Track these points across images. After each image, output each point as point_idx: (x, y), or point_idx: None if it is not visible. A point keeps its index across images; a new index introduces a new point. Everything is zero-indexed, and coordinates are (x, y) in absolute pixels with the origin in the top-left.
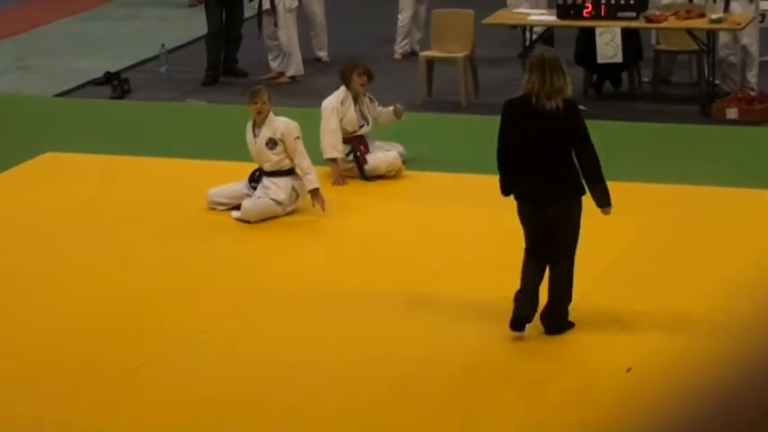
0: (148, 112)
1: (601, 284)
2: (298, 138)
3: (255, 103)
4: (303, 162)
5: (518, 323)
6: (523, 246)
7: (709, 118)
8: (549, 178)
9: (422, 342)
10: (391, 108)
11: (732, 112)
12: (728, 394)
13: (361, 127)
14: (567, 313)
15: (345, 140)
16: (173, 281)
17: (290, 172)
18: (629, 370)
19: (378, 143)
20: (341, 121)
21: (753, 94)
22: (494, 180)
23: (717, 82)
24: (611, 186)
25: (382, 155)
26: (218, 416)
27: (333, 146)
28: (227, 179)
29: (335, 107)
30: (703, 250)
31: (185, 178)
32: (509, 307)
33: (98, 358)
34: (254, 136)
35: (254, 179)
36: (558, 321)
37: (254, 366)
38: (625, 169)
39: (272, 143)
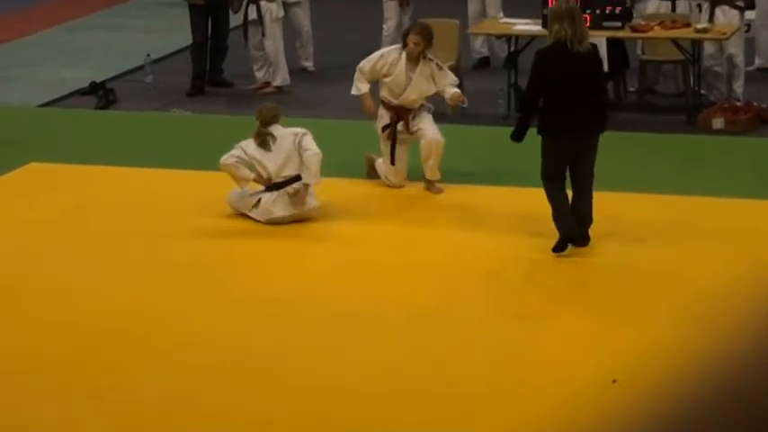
0: (134, 123)
1: (581, 291)
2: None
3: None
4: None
5: (564, 244)
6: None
7: (695, 128)
8: (584, 112)
9: (422, 358)
10: (453, 91)
11: (718, 122)
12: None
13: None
14: None
15: (388, 107)
16: (160, 292)
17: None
18: (614, 381)
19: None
20: (386, 77)
21: (738, 104)
22: (486, 189)
23: (702, 92)
24: (596, 196)
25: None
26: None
27: (356, 84)
28: (214, 189)
29: (382, 54)
30: (687, 258)
31: (171, 188)
32: (512, 323)
33: (79, 373)
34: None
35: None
36: (588, 235)
37: (244, 380)
38: (611, 179)
39: None
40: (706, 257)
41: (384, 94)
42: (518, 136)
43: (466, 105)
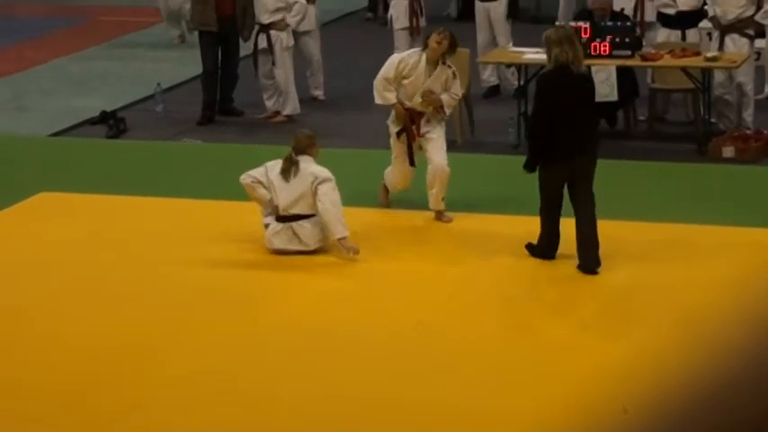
0: (144, 152)
1: (595, 321)
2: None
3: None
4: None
5: (534, 252)
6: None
7: (705, 157)
8: (585, 133)
9: (425, 387)
10: (445, 97)
11: (728, 151)
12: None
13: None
14: None
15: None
16: (171, 319)
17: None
18: (625, 411)
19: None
20: (405, 79)
21: (749, 132)
22: (496, 218)
23: (713, 120)
24: (606, 225)
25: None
26: None
27: (382, 93)
28: (224, 218)
29: (402, 58)
30: (697, 289)
31: (181, 217)
32: (520, 349)
33: (92, 400)
34: None
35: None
36: (598, 258)
37: (254, 407)
38: (620, 208)
39: None
40: (716, 286)
41: (399, 96)
42: (532, 166)
43: (446, 116)
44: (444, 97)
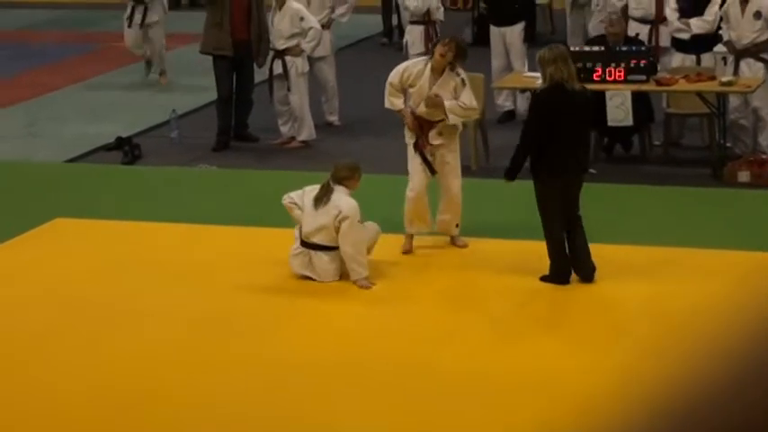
0: (159, 178)
1: (611, 347)
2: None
3: (358, 179)
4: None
5: (557, 279)
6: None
7: (720, 181)
8: (580, 149)
9: (433, 419)
10: (452, 103)
11: (744, 176)
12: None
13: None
14: None
15: (414, 118)
16: (186, 349)
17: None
18: None
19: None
20: (411, 88)
21: (764, 157)
22: (511, 244)
23: (728, 145)
24: (622, 249)
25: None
26: None
27: (389, 98)
28: (240, 244)
29: (407, 66)
30: (707, 314)
31: (197, 243)
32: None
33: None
34: None
35: None
36: (594, 266)
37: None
38: (636, 233)
39: None
40: (724, 305)
41: (410, 104)
42: (513, 174)
43: (458, 127)
44: (448, 103)
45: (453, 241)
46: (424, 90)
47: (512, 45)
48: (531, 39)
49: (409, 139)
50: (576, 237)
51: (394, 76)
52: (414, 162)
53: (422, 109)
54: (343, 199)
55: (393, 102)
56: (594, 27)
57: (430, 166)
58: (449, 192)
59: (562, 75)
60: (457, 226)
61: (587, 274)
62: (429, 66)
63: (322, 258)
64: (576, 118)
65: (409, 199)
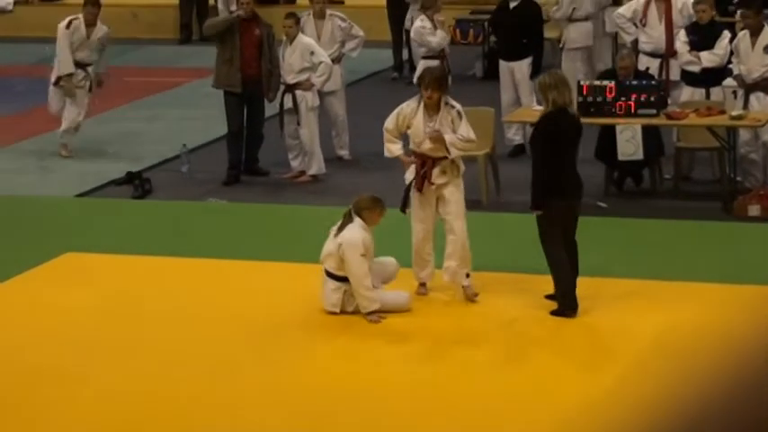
0: (170, 212)
1: (625, 379)
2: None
3: (381, 214)
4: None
5: (567, 309)
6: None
7: (730, 215)
8: (576, 171)
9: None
10: (451, 137)
11: (754, 209)
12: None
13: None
14: None
15: (415, 156)
16: (197, 384)
17: None
18: None
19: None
20: (408, 129)
21: None
22: (522, 278)
23: (738, 179)
24: (633, 283)
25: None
26: None
27: (386, 144)
28: (251, 278)
29: (401, 109)
30: (721, 347)
31: (208, 278)
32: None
33: None
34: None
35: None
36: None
37: None
38: (647, 267)
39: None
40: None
41: (411, 144)
42: (540, 203)
43: (456, 164)
44: (448, 137)
45: (464, 292)
46: (420, 129)
47: (520, 80)
48: (538, 73)
49: (409, 177)
50: (573, 261)
51: (389, 121)
52: (414, 210)
53: (426, 146)
54: (351, 230)
55: (390, 149)
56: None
57: (420, 185)
58: (452, 234)
59: (564, 99)
60: (468, 276)
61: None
62: (421, 104)
63: (328, 285)
64: (577, 141)
65: (413, 247)
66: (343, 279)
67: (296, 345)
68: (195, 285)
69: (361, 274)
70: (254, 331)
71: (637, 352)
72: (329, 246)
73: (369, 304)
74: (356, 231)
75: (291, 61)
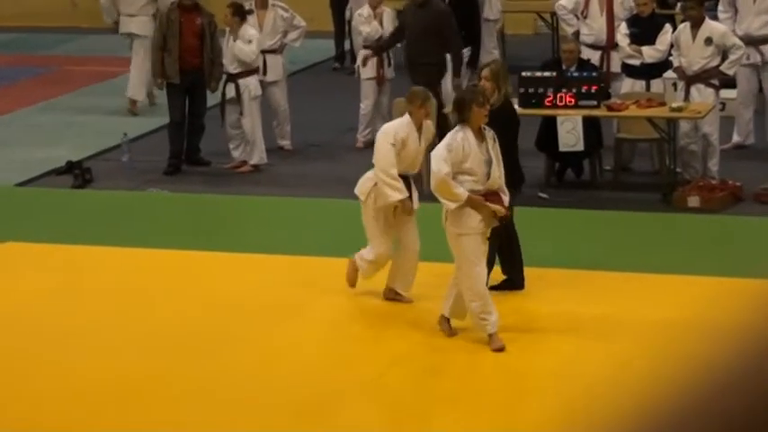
0: (111, 202)
1: (564, 367)
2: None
3: (423, 107)
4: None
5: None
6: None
7: (670, 206)
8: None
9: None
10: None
11: (693, 201)
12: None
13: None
14: None
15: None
16: (140, 373)
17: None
18: None
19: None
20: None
21: (714, 182)
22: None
23: (678, 170)
24: (574, 274)
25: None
26: None
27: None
28: (191, 269)
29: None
30: (664, 337)
31: (148, 268)
32: None
33: None
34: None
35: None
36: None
37: None
38: (586, 257)
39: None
40: (683, 334)
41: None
42: (521, 182)
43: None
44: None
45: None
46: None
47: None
48: (473, 64)
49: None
50: (515, 247)
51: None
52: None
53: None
54: (392, 122)
55: (400, 190)
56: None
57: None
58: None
59: (509, 91)
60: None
61: (522, 283)
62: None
63: (368, 173)
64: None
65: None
66: None
67: (231, 332)
68: (134, 275)
69: (384, 163)
70: (191, 320)
71: (575, 338)
72: None
73: (391, 193)
74: (395, 122)
75: (236, 50)
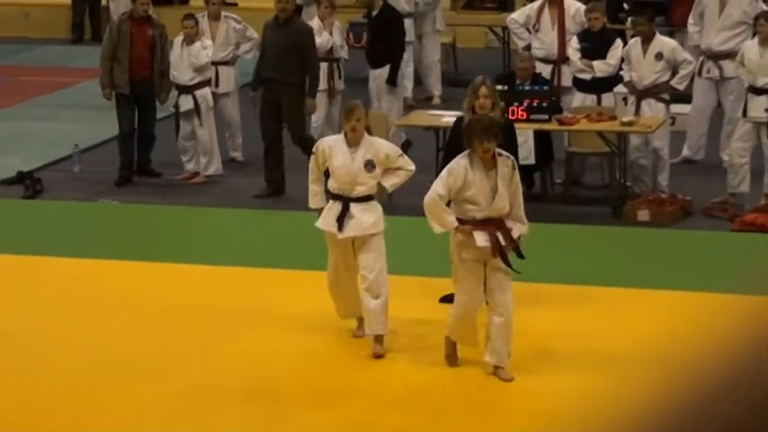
0: (61, 212)
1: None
2: (401, 155)
3: (350, 120)
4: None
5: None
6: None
7: (620, 220)
8: None
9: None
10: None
11: (643, 214)
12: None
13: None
14: None
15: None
16: (90, 384)
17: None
18: None
19: None
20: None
21: (664, 196)
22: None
23: (628, 184)
24: (526, 287)
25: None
26: None
27: (437, 216)
28: (141, 280)
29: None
30: (611, 351)
31: (99, 278)
32: None
33: None
34: (350, 157)
35: (340, 217)
36: None
37: None
38: (536, 270)
39: (370, 165)
40: (632, 347)
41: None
42: None
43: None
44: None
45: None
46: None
47: (379, 87)
48: (392, 81)
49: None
50: None
51: (311, 168)
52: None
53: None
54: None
55: (311, 199)
56: None
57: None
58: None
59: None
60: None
61: None
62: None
63: None
64: None
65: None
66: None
67: (182, 343)
68: (86, 286)
69: (310, 167)
70: (143, 333)
71: (522, 351)
72: None
73: (310, 199)
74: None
75: (192, 61)
